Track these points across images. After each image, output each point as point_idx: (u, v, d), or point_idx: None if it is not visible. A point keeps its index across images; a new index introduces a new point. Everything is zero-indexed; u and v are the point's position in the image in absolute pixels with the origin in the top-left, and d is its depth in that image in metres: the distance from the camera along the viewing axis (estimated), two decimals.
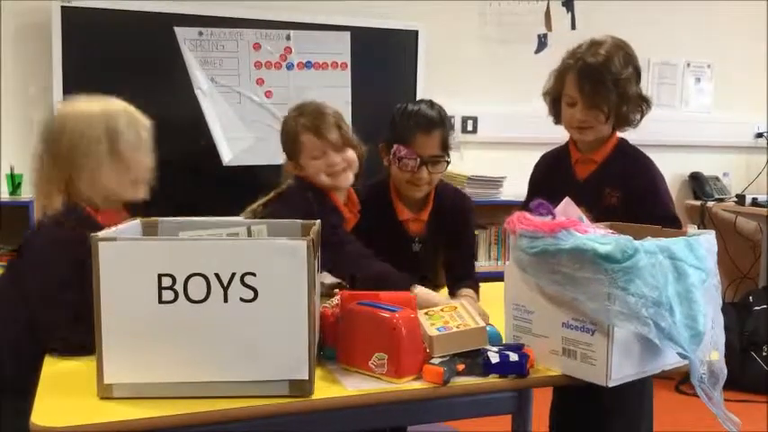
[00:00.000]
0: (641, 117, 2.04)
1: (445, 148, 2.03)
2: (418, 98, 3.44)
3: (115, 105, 1.66)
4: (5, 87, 3.24)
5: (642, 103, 2.03)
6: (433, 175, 2.02)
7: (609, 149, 2.05)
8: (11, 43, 3.25)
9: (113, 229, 1.37)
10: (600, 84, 1.94)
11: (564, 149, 2.14)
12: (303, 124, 2.00)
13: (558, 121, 2.10)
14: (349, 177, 2.01)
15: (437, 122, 2.01)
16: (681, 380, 3.46)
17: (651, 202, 1.98)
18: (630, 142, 2.10)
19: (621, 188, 1.99)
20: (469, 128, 3.85)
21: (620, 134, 2.09)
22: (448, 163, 2.05)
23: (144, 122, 1.68)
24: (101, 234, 1.26)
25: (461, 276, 2.06)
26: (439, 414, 1.57)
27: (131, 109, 1.67)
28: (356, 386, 1.36)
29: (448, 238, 2.10)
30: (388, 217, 2.08)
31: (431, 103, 2.07)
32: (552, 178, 2.14)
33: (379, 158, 2.10)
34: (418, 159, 1.98)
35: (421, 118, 2.01)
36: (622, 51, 1.98)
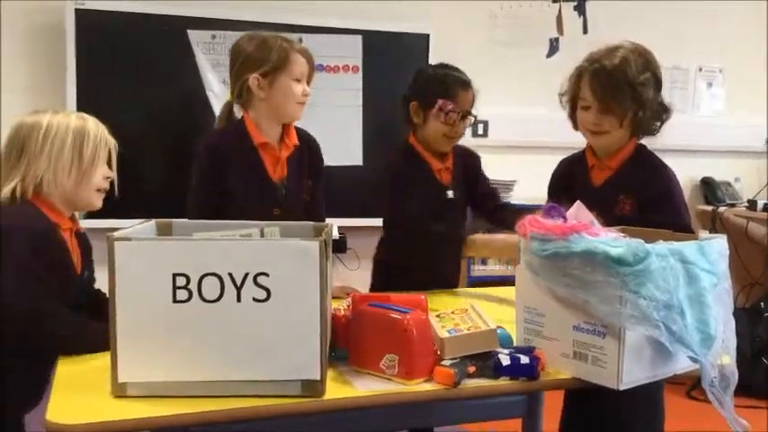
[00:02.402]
0: (661, 125, 2.02)
1: (473, 105, 2.26)
2: None
3: (88, 118, 1.72)
4: (18, 88, 3.26)
5: (661, 111, 2.01)
6: (464, 129, 2.24)
7: (625, 155, 2.03)
8: (24, 44, 3.28)
9: (129, 229, 1.39)
10: (614, 87, 1.92)
11: (581, 155, 2.14)
12: (292, 44, 2.12)
13: (576, 126, 2.10)
14: (302, 112, 2.14)
15: (469, 82, 2.25)
16: (692, 385, 3.45)
17: (664, 210, 1.96)
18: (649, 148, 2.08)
19: (636, 195, 1.97)
20: (480, 131, 3.85)
21: (637, 140, 2.06)
22: (475, 118, 2.27)
23: (111, 140, 1.74)
24: (116, 234, 1.28)
25: (499, 205, 2.39)
26: (450, 416, 1.57)
27: (102, 126, 1.73)
28: (367, 387, 1.37)
29: (469, 182, 2.35)
30: (423, 170, 2.25)
31: (456, 68, 2.29)
32: (569, 184, 2.14)
33: (407, 118, 2.26)
34: (460, 113, 2.19)
35: (459, 77, 2.25)
36: (641, 57, 1.95)
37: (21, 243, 1.54)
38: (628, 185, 2.00)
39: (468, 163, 2.37)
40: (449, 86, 2.20)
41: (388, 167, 2.29)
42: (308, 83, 2.15)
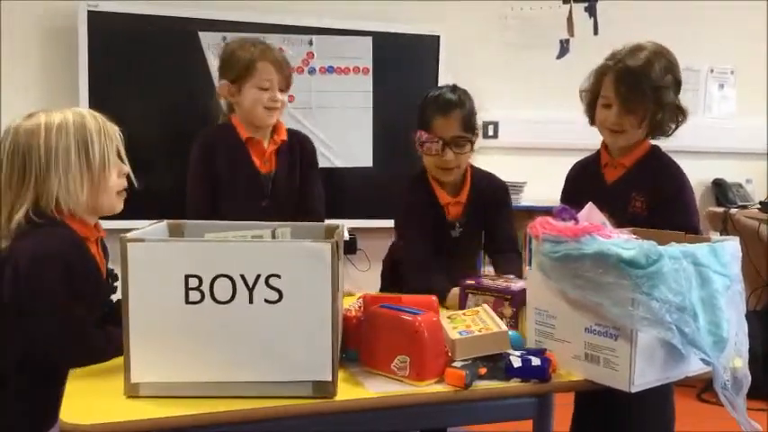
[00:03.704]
0: (676, 127, 2.03)
1: (468, 128, 2.07)
2: None
3: (83, 114, 1.58)
4: (32, 90, 3.28)
5: (678, 114, 2.02)
6: (459, 156, 2.06)
7: (640, 154, 2.04)
8: (37, 46, 3.30)
9: (141, 230, 1.39)
10: (637, 88, 1.93)
11: (595, 156, 2.14)
12: (262, 52, 2.16)
13: (592, 122, 2.10)
14: (277, 117, 2.23)
15: (456, 103, 2.07)
16: (703, 388, 3.44)
17: (673, 210, 1.96)
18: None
19: (648, 194, 1.98)
20: (490, 133, 3.85)
21: (652, 141, 2.07)
22: (472, 143, 2.09)
23: (113, 128, 1.61)
24: (129, 235, 1.28)
25: (504, 248, 2.15)
26: (461, 418, 1.57)
27: (99, 116, 1.60)
28: (378, 388, 1.37)
29: (488, 218, 2.17)
30: (429, 203, 2.14)
31: (453, 87, 2.13)
32: (582, 184, 2.15)
33: (415, 150, 2.14)
34: (440, 141, 2.04)
35: (440, 101, 2.08)
36: (664, 59, 1.97)
37: (52, 273, 1.45)
38: (640, 184, 2.01)
39: (488, 199, 2.19)
40: (426, 115, 2.07)
41: (402, 200, 2.20)
42: (283, 90, 2.21)
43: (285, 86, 2.21)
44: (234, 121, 2.24)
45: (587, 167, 2.16)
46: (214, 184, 2.20)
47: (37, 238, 1.49)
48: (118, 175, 1.62)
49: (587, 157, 2.19)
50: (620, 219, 1.67)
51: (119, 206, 1.65)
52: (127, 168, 1.64)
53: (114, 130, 1.62)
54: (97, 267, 1.60)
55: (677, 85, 2.01)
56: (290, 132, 2.30)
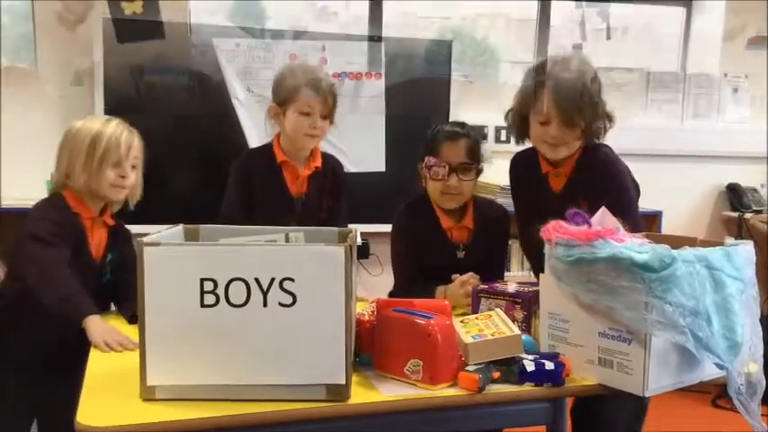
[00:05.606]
0: (605, 131, 2.05)
1: (473, 157, 2.14)
2: (452, 108, 3.53)
3: (111, 122, 1.96)
4: (47, 97, 3.32)
5: (608, 119, 2.04)
6: (463, 182, 2.12)
7: (576, 158, 2.05)
8: (53, 55, 3.33)
9: (157, 234, 1.41)
10: (577, 101, 1.94)
11: (534, 159, 2.13)
12: (307, 79, 2.22)
13: (520, 140, 2.13)
14: (316, 143, 2.30)
15: (462, 133, 2.15)
16: (717, 394, 3.41)
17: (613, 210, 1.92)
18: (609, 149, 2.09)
19: (590, 198, 1.88)
20: (503, 138, 3.84)
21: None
22: (478, 171, 2.16)
23: (128, 142, 1.94)
24: (145, 239, 1.30)
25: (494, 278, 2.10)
26: (474, 422, 1.57)
27: (122, 127, 1.95)
28: (392, 392, 1.38)
29: (488, 245, 2.21)
30: (432, 226, 2.18)
31: (459, 123, 2.24)
32: (527, 187, 2.18)
33: (419, 179, 2.21)
34: (447, 166, 2.10)
35: (448, 130, 2.18)
36: (590, 68, 2.00)
37: (39, 222, 1.85)
38: (584, 188, 1.99)
39: (497, 229, 2.24)
40: (434, 141, 2.15)
41: (397, 222, 2.26)
42: (326, 117, 2.26)
43: (327, 114, 2.26)
44: (274, 143, 2.31)
45: (529, 170, 2.15)
46: (249, 205, 2.24)
47: (39, 203, 1.97)
48: (116, 175, 1.92)
49: (527, 153, 2.18)
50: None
51: (113, 196, 1.96)
52: (124, 172, 1.93)
53: (128, 143, 1.94)
54: (83, 237, 1.92)
55: (601, 90, 2.02)
56: (325, 158, 2.36)
